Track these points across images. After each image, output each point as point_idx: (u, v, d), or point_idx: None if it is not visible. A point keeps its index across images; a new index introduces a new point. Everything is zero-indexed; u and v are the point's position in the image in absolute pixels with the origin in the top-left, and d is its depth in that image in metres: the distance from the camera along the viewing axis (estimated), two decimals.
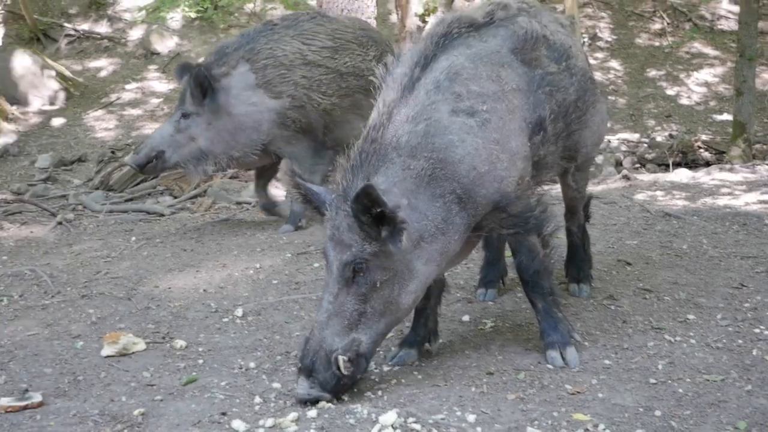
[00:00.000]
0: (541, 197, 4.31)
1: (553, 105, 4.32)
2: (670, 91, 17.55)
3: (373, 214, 3.64)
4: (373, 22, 9.64)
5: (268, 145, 7.32)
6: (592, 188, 9.67)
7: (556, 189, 5.46)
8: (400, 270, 3.80)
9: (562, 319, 4.32)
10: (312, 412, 3.65)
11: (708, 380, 3.95)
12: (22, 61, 17.06)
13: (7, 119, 15.79)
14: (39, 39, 20.25)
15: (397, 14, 14.54)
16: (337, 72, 7.48)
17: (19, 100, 16.65)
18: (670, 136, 15.44)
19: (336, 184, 3.89)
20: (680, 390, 3.84)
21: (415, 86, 4.00)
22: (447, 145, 3.89)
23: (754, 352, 4.27)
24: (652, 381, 3.95)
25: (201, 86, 6.92)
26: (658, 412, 3.62)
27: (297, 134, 7.41)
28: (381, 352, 4.40)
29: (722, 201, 8.49)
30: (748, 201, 8.42)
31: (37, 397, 3.92)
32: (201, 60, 7.52)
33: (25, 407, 3.85)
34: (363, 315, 3.77)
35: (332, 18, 7.92)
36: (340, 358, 3.70)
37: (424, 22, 14.02)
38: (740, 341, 4.42)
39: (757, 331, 4.57)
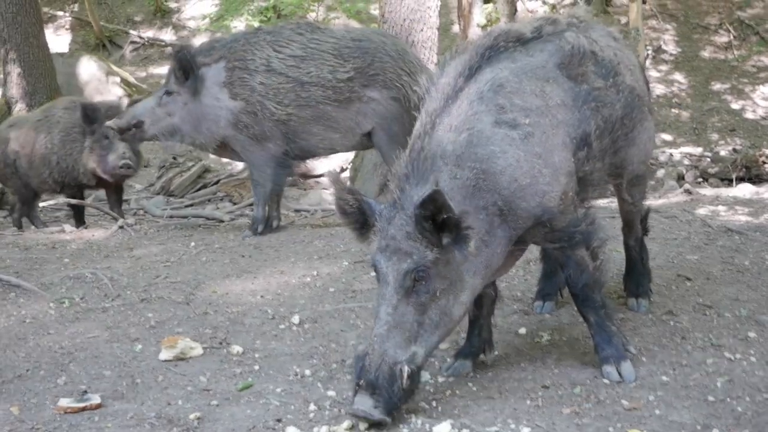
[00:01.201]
0: (588, 210, 4.27)
1: (599, 121, 4.28)
2: (735, 105, 17.34)
3: (438, 221, 3.62)
4: (436, 33, 9.63)
5: (228, 143, 7.65)
6: (653, 202, 9.58)
7: (614, 203, 5.41)
8: (455, 280, 3.78)
9: (616, 333, 4.28)
10: (364, 422, 3.66)
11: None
12: (88, 67, 17.37)
13: None
14: (104, 45, 20.63)
15: (460, 25, 14.56)
16: (297, 81, 7.49)
17: None
18: (734, 150, 15.26)
19: (389, 193, 3.88)
20: (739, 408, 3.79)
21: (458, 96, 4.01)
22: (489, 156, 3.88)
23: None
24: (711, 399, 3.89)
25: (183, 68, 7.40)
26: (716, 431, 3.57)
27: (251, 140, 7.59)
28: (436, 363, 4.40)
29: None
30: None
31: (95, 399, 3.98)
32: (186, 45, 7.92)
33: (84, 408, 3.91)
34: (421, 326, 3.70)
35: (322, 28, 7.91)
36: (405, 370, 3.60)
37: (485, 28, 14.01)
38: None
39: None
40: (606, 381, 4.12)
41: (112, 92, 17.30)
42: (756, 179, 12.81)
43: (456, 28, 17.62)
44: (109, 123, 8.02)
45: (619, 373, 4.13)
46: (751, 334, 4.70)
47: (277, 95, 7.47)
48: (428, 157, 3.83)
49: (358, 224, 3.89)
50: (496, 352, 4.52)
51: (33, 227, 9.80)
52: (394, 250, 3.72)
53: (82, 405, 3.92)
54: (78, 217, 9.70)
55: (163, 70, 19.61)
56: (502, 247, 3.97)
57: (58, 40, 20.17)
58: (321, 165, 13.92)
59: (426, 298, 3.71)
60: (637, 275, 5.26)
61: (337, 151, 8.30)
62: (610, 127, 4.36)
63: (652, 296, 5.30)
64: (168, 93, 7.55)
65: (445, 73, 4.18)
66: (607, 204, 6.87)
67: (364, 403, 3.56)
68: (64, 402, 3.96)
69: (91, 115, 8.91)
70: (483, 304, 4.36)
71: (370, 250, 3.86)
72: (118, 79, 17.47)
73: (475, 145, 3.87)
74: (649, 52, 18.18)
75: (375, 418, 3.55)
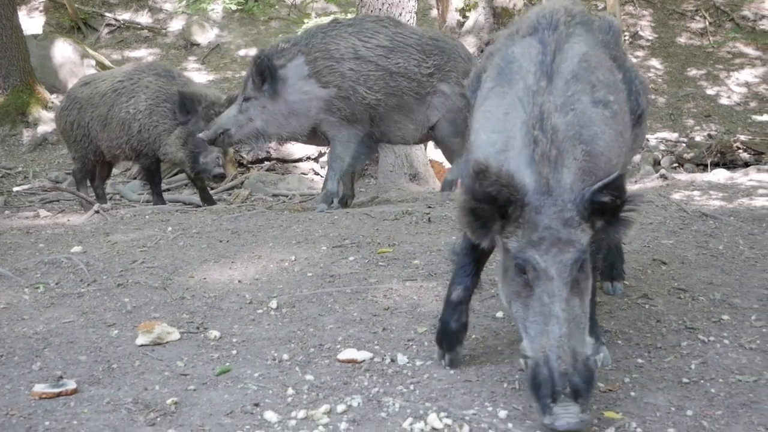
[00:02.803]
0: None
1: (645, 98, 4.33)
2: (710, 91, 17.43)
3: (614, 205, 3.44)
4: (414, 17, 9.66)
5: (318, 126, 7.98)
6: (629, 187, 9.62)
7: None
8: (589, 256, 3.62)
9: (596, 322, 4.30)
10: (342, 406, 3.67)
11: (741, 381, 3.92)
12: (63, 50, 17.25)
13: (46, 107, 15.97)
14: (79, 28, 20.47)
15: (438, 9, 14.57)
16: (386, 70, 7.90)
17: (58, 88, 16.83)
18: (709, 136, 15.36)
19: (538, 179, 3.51)
20: (712, 390, 3.82)
21: (553, 77, 3.80)
22: (592, 137, 3.74)
23: None
24: (685, 380, 3.92)
25: (261, 74, 7.74)
26: (689, 412, 3.60)
27: (342, 120, 7.93)
28: (414, 347, 4.41)
29: (759, 202, 8.43)
30: None
31: (71, 385, 3.97)
32: (264, 50, 8.12)
33: (59, 394, 3.89)
34: (584, 312, 3.50)
35: (401, 23, 8.38)
36: (596, 363, 3.44)
37: (465, 17, 14.04)
38: None
39: None
40: None
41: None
42: (730, 164, 12.91)
43: (434, 12, 17.61)
44: (199, 136, 8.37)
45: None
46: (725, 317, 4.74)
47: (367, 81, 7.87)
48: (561, 137, 3.58)
49: (486, 220, 3.55)
50: (473, 336, 4.53)
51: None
52: (554, 241, 3.45)
53: (57, 390, 3.90)
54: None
55: (139, 53, 19.54)
56: None
57: (31, 22, 19.98)
58: (298, 150, 13.92)
59: (585, 284, 3.55)
60: (611, 258, 5.20)
61: (407, 143, 8.76)
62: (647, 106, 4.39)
63: (626, 279, 5.33)
64: (246, 99, 7.90)
65: (520, 53, 3.98)
66: None
67: (571, 413, 3.24)
68: (39, 388, 3.94)
69: (189, 106, 8.93)
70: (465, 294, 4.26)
71: (517, 247, 3.50)
72: (93, 62, 17.34)
73: (581, 125, 3.71)
74: (626, 37, 18.21)
75: (585, 423, 3.28)
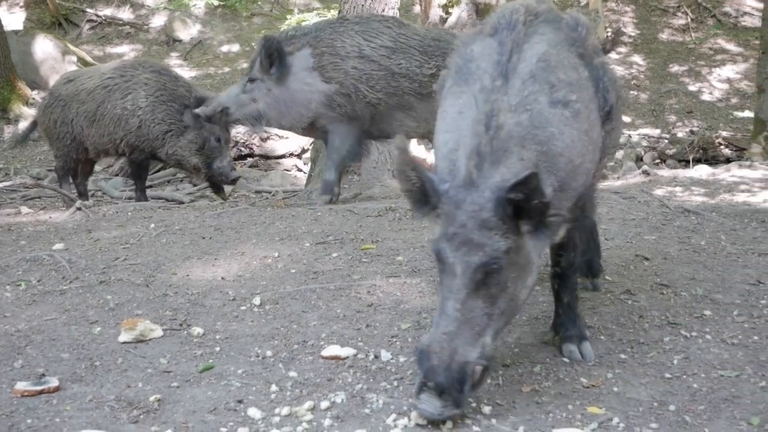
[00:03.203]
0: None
1: (615, 94, 4.25)
2: (692, 87, 17.50)
3: (526, 207, 3.39)
4: (396, 13, 9.66)
5: (315, 121, 8.04)
6: (612, 183, 9.66)
7: None
8: (524, 265, 3.57)
9: (580, 315, 4.32)
10: (325, 402, 3.67)
11: (723, 376, 3.93)
12: (44, 46, 17.16)
13: (27, 104, 15.90)
14: (60, 24, 20.36)
15: (421, 5, 14.56)
16: (389, 71, 7.99)
17: (39, 84, 16.75)
18: (691, 132, 15.42)
19: (463, 172, 3.53)
20: (695, 385, 3.84)
21: (510, 76, 3.79)
22: (549, 138, 3.71)
23: None
24: (667, 376, 3.94)
25: (270, 56, 7.81)
26: (672, 407, 3.61)
27: (342, 116, 8.02)
28: (398, 344, 4.42)
29: (741, 198, 8.47)
30: (766, 198, 8.40)
31: (53, 382, 3.95)
32: (273, 35, 8.24)
33: (42, 392, 3.88)
34: (490, 318, 3.47)
35: (405, 24, 8.44)
36: (477, 369, 3.41)
37: (448, 13, 14.05)
38: (756, 337, 4.40)
39: None
40: (566, 359, 4.16)
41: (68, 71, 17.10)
42: (712, 160, 12.97)
43: (417, 8, 17.61)
44: (196, 111, 8.42)
45: (580, 352, 4.16)
46: (707, 313, 4.76)
47: (369, 80, 7.96)
48: (506, 137, 3.56)
49: (419, 200, 3.62)
50: None
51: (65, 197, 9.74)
52: (463, 240, 3.45)
53: (39, 388, 3.89)
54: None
55: (121, 49, 19.46)
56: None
57: (12, 17, 19.86)
58: (281, 146, 13.91)
59: (496, 290, 3.47)
60: (589, 254, 5.09)
61: (411, 138, 8.83)
62: (617, 104, 4.30)
63: (609, 275, 5.34)
64: (251, 80, 7.95)
65: (479, 53, 3.99)
66: None
67: (432, 404, 3.37)
68: (21, 385, 3.92)
69: None
70: None
71: (432, 235, 3.60)
72: (74, 58, 17.26)
73: (536, 126, 3.69)
74: (609, 34, 18.25)
75: (444, 416, 3.38)
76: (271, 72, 7.86)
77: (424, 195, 3.59)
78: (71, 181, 9.94)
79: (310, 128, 8.21)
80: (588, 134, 3.90)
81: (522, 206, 3.39)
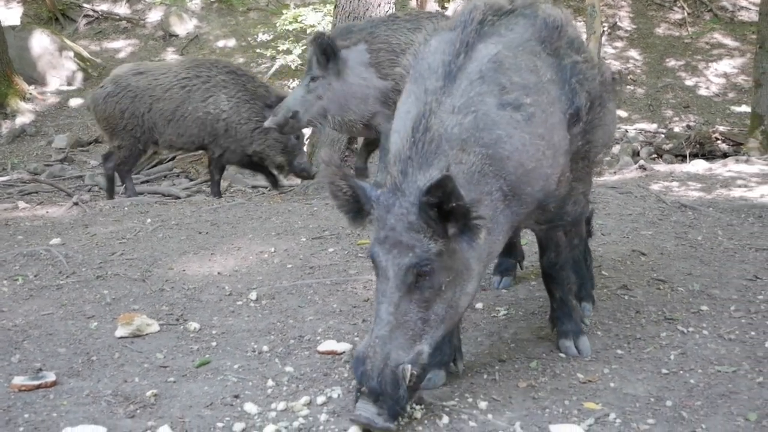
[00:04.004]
0: (572, 190, 4.11)
1: (585, 95, 4.08)
2: (689, 82, 17.49)
3: (445, 209, 3.33)
4: (393, 8, 9.65)
5: (371, 119, 7.94)
6: (608, 178, 9.67)
7: None
8: (460, 270, 3.50)
9: (575, 307, 4.31)
10: (321, 397, 3.67)
11: (720, 371, 3.94)
12: (41, 41, 17.13)
13: (24, 99, 15.88)
14: (57, 19, 20.33)
15: (417, 1, 14.54)
16: None
17: (36, 80, 16.73)
18: (688, 126, 15.41)
19: (388, 176, 3.56)
20: (692, 381, 3.84)
21: (457, 75, 3.74)
22: (496, 141, 3.64)
23: (767, 344, 4.25)
24: (664, 371, 3.94)
25: (324, 52, 7.70)
26: (669, 402, 3.62)
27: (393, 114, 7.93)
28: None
29: (738, 193, 8.48)
30: (763, 193, 8.40)
31: (50, 377, 3.95)
32: (324, 31, 8.35)
33: (39, 386, 3.87)
34: (426, 323, 3.42)
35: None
36: (411, 374, 3.33)
37: (444, 7, 14.03)
38: (753, 333, 4.41)
39: None
40: (562, 355, 4.16)
41: (65, 66, 17.10)
42: (709, 155, 12.95)
43: (413, 2, 17.59)
44: (266, 124, 8.30)
45: (577, 348, 4.16)
46: (704, 308, 4.76)
47: None
48: (434, 139, 3.52)
49: (352, 210, 3.57)
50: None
51: (124, 193, 9.68)
52: (394, 243, 3.42)
53: (36, 383, 3.89)
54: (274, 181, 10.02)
55: (117, 44, 19.43)
56: (504, 234, 3.79)
57: (9, 13, 19.85)
58: None
59: (430, 293, 3.42)
60: (580, 277, 4.84)
61: None
62: (590, 104, 4.13)
63: (605, 270, 5.34)
64: (313, 79, 7.87)
65: (433, 50, 3.94)
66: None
67: (368, 410, 3.29)
68: (19, 380, 3.92)
69: None
70: None
71: (371, 240, 3.54)
72: (71, 54, 17.25)
73: (481, 129, 3.63)
74: (605, 28, 18.25)
75: (379, 425, 3.28)
76: (329, 67, 7.79)
77: (357, 204, 3.55)
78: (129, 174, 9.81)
79: (367, 127, 8.13)
80: (545, 138, 3.78)
81: (442, 209, 3.34)
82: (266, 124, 8.30)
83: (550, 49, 4.04)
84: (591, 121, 4.16)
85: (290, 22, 16.41)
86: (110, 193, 9.61)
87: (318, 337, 4.46)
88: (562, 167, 3.88)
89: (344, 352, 4.23)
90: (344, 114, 7.93)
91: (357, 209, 3.56)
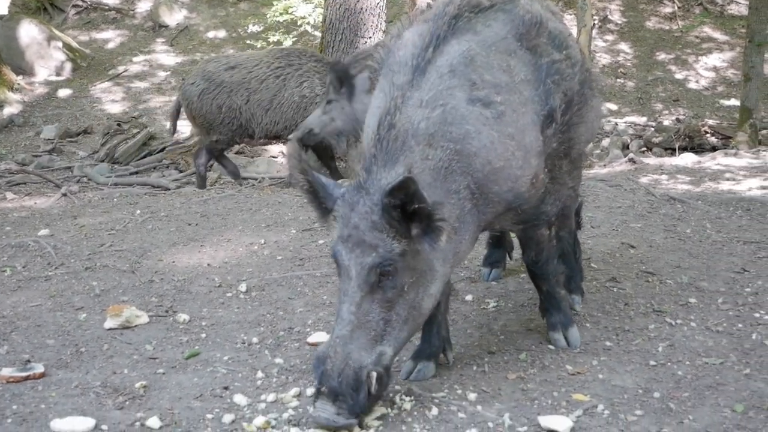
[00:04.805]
0: (551, 189, 4.06)
1: (561, 95, 4.01)
2: (679, 76, 17.51)
3: (408, 210, 3.31)
4: (383, 1, 9.64)
5: None
6: (598, 171, 9.68)
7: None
8: (424, 271, 3.47)
9: (564, 298, 4.32)
10: (311, 389, 3.67)
11: (707, 363, 3.96)
12: (29, 31, 17.04)
13: (12, 89, 15.80)
14: (46, 9, 20.22)
15: None
16: None
17: (24, 70, 16.64)
18: (678, 120, 15.43)
19: (354, 174, 3.56)
20: (679, 372, 3.86)
21: (427, 69, 3.69)
22: (464, 136, 3.61)
23: (754, 336, 4.27)
24: (652, 363, 3.96)
25: (339, 79, 8.25)
26: (657, 394, 3.63)
27: None
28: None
29: (726, 186, 8.51)
30: (751, 186, 8.43)
31: (39, 368, 3.95)
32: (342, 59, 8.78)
33: (27, 378, 3.87)
34: (388, 324, 3.39)
35: None
36: (372, 375, 3.30)
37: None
38: (740, 325, 4.43)
39: (757, 315, 4.57)
40: (551, 347, 4.17)
41: (54, 57, 17.01)
42: (698, 149, 12.97)
43: None
44: (290, 137, 8.81)
45: (566, 339, 4.17)
46: (692, 300, 4.78)
47: None
48: (399, 136, 3.50)
49: (314, 205, 3.57)
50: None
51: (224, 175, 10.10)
52: (357, 242, 3.39)
53: (25, 374, 3.89)
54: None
55: (106, 34, 19.35)
56: (471, 234, 3.75)
57: None
58: None
59: (393, 294, 3.39)
60: (569, 270, 4.80)
61: None
62: (569, 102, 4.08)
63: (595, 263, 5.35)
64: (329, 102, 8.42)
65: (404, 43, 3.88)
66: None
67: (326, 410, 3.26)
68: (7, 371, 3.92)
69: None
70: (440, 300, 3.90)
71: (334, 238, 3.52)
72: (60, 44, 17.17)
73: (450, 123, 3.59)
74: (596, 22, 18.25)
75: (339, 424, 3.25)
76: (342, 92, 8.27)
77: (317, 200, 3.54)
78: (203, 160, 9.94)
79: None
80: (515, 139, 3.74)
81: (405, 210, 3.32)
82: (290, 137, 8.78)
83: (527, 46, 3.98)
84: (570, 120, 4.12)
85: (281, 14, 16.36)
86: (203, 187, 9.76)
87: (308, 329, 4.47)
88: (535, 169, 3.83)
89: None
90: (355, 135, 8.11)
91: (319, 204, 3.54)
